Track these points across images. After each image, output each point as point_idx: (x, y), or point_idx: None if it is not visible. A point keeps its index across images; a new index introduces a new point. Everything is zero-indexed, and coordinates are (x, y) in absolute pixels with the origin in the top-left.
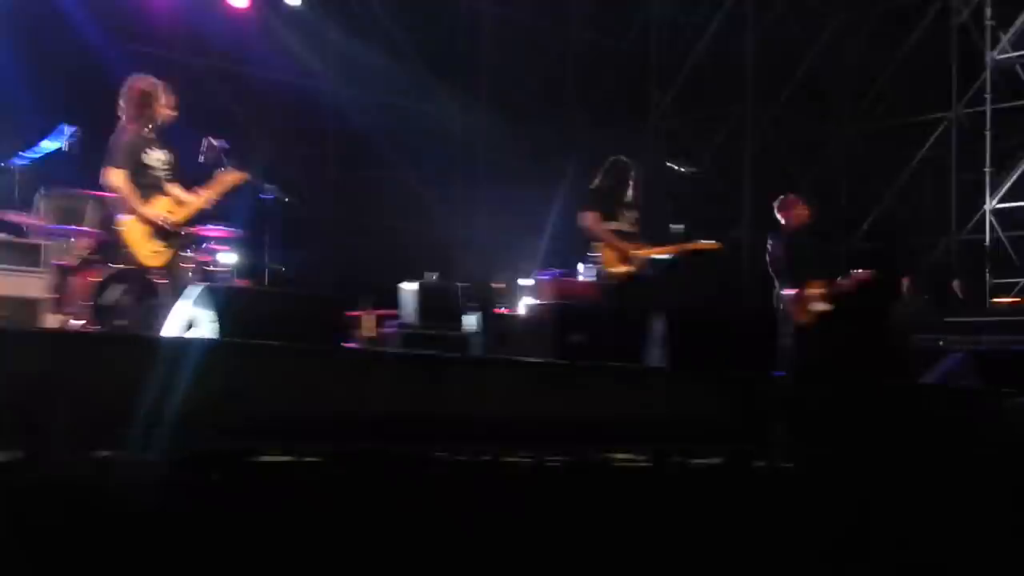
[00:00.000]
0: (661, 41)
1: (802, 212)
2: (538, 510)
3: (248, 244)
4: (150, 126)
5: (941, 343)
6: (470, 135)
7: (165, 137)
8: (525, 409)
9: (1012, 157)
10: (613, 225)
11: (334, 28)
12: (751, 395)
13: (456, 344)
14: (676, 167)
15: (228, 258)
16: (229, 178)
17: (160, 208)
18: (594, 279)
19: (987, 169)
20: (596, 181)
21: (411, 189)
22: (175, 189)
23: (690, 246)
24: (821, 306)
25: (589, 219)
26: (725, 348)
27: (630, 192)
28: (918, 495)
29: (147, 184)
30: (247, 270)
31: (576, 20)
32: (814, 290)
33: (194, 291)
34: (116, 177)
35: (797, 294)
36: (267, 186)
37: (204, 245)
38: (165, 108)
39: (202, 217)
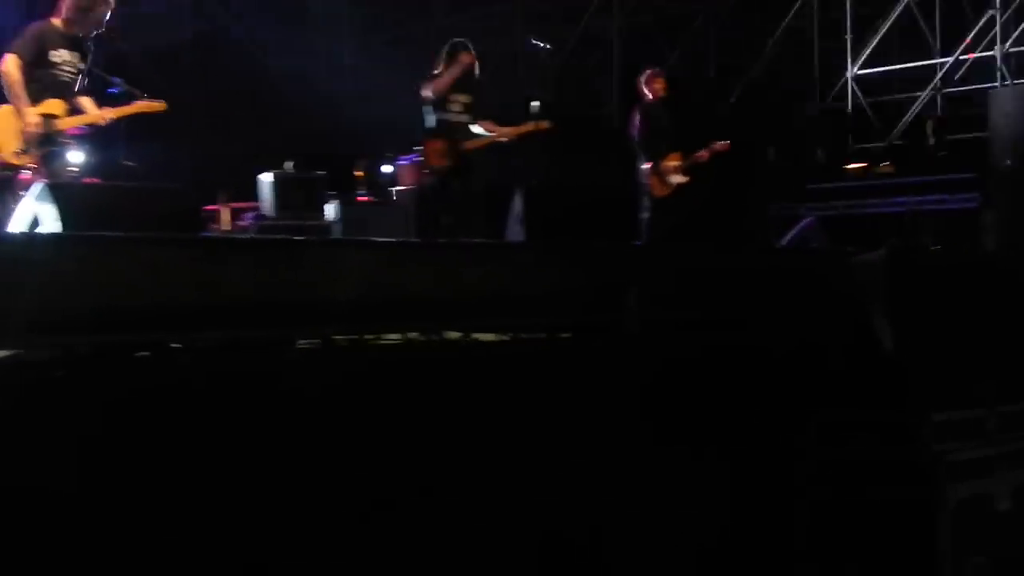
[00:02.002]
0: None
1: (659, 86)
2: (401, 390)
3: (98, 141)
4: (77, 28)
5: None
6: (331, 22)
7: (85, 44)
8: (383, 290)
9: (872, 24)
10: (440, 115)
11: None
12: (606, 265)
13: (316, 233)
14: (538, 44)
15: (76, 156)
16: (144, 105)
17: (44, 110)
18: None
19: (848, 36)
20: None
21: (271, 78)
22: (82, 98)
23: (523, 129)
24: (678, 178)
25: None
26: (585, 223)
27: (469, 76)
28: (772, 351)
29: (47, 81)
30: (98, 168)
31: None
32: (671, 162)
33: (36, 188)
34: (10, 62)
35: (654, 166)
36: (114, 80)
37: None
38: (99, 18)
39: None
